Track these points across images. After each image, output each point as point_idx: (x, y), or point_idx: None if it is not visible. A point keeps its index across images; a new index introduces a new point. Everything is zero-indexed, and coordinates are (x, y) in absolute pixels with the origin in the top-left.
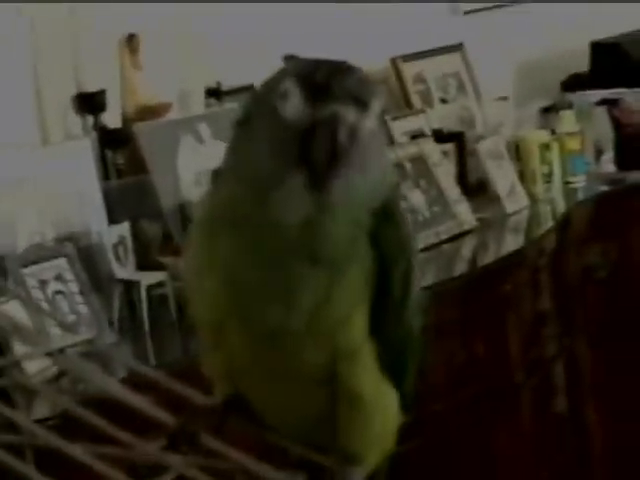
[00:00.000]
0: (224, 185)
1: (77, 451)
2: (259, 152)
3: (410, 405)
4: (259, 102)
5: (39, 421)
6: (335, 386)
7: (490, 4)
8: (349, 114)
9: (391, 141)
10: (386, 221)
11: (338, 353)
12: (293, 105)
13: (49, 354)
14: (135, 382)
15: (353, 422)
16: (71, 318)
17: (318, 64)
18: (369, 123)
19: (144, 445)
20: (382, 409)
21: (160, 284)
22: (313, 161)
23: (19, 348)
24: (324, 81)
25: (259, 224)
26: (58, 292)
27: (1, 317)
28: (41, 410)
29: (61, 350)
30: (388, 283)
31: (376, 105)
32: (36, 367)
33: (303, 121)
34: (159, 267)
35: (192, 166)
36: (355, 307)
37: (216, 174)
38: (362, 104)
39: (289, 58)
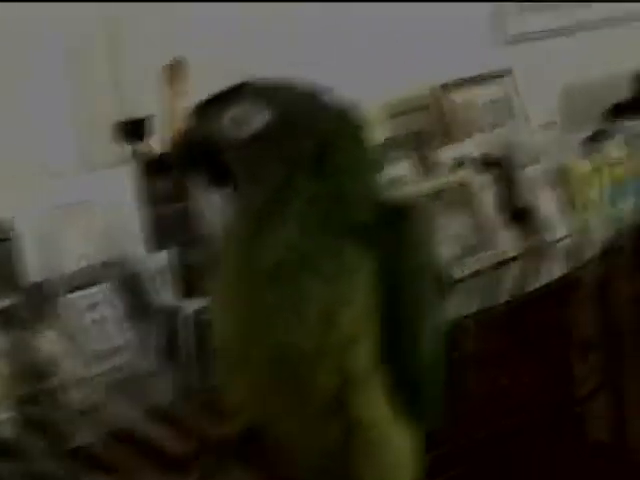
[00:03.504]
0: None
1: None
2: None
3: (438, 436)
4: None
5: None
6: (345, 414)
7: (539, 29)
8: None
9: (436, 167)
10: (394, 238)
11: (347, 378)
12: None
13: (80, 383)
14: (161, 414)
15: (363, 452)
16: (112, 344)
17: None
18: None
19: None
20: (394, 441)
21: (203, 310)
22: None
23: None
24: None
25: (251, 246)
26: (101, 318)
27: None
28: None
29: (91, 379)
30: (399, 305)
31: (230, 113)
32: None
33: None
34: (202, 294)
35: None
36: (362, 327)
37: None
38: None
39: None
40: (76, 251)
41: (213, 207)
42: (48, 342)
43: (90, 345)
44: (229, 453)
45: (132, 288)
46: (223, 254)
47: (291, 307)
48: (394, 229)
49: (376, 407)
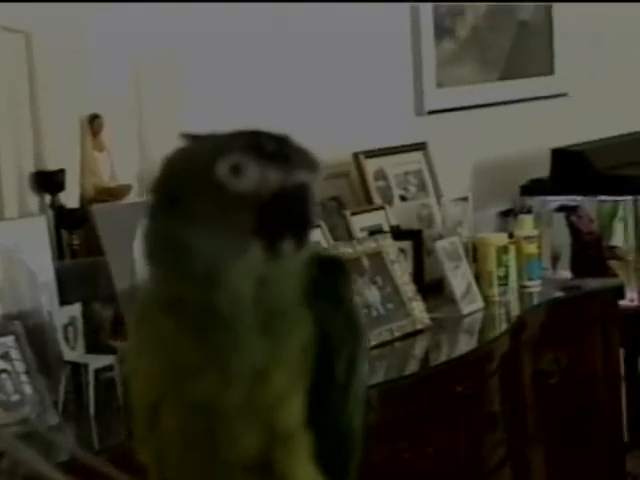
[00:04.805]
0: (158, 269)
1: None
2: (204, 231)
3: None
4: (189, 182)
5: None
6: (269, 472)
7: (455, 105)
8: (312, 180)
9: (350, 236)
10: (328, 297)
11: (274, 436)
12: (250, 178)
13: None
14: (74, 466)
15: None
16: (15, 398)
17: (256, 135)
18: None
19: None
20: None
21: (109, 368)
22: (278, 229)
23: None
24: (276, 151)
25: (203, 295)
26: (3, 371)
27: None
28: None
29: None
30: (331, 367)
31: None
32: None
33: (263, 191)
34: (109, 351)
35: None
36: (293, 386)
37: (151, 258)
38: (315, 169)
39: (187, 136)
40: None
41: (125, 262)
42: None
43: None
44: None
45: (37, 342)
46: (148, 295)
47: (220, 360)
48: (332, 284)
49: (303, 466)
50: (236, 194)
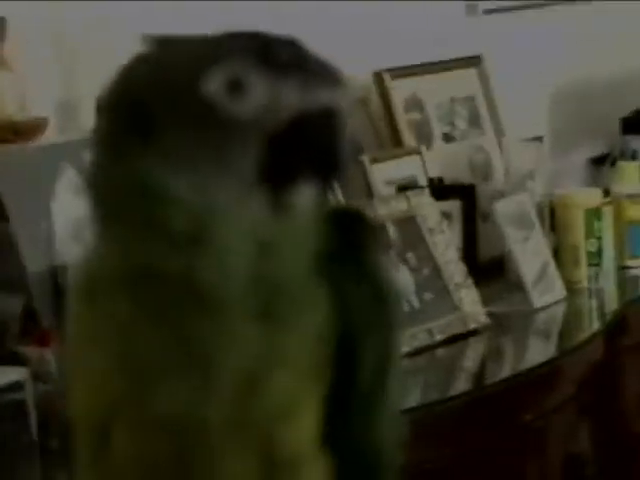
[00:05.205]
0: (111, 226)
1: None
2: (183, 171)
3: None
4: (161, 101)
5: None
6: None
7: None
8: (340, 100)
9: (369, 192)
10: (349, 266)
11: (275, 464)
12: (255, 97)
13: None
14: None
15: None
16: None
17: (260, 38)
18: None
19: None
20: None
21: (16, 386)
22: (291, 171)
23: None
24: (290, 60)
25: (180, 265)
26: None
27: None
28: None
29: None
30: (354, 362)
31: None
32: None
33: (273, 118)
34: (16, 361)
35: (72, 212)
36: (302, 393)
37: (101, 210)
38: (341, 85)
39: (156, 39)
40: None
41: (39, 232)
42: None
43: None
44: None
45: None
46: (96, 265)
47: (200, 356)
48: (355, 248)
49: None
50: (233, 120)
